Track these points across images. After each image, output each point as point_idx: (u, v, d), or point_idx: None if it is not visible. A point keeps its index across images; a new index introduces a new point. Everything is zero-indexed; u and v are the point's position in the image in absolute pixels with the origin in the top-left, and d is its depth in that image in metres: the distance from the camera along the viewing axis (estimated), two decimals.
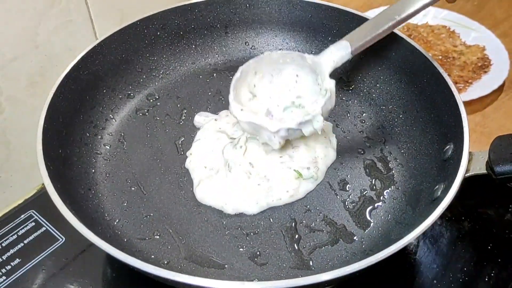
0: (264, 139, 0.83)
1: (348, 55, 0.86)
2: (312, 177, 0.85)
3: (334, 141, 0.93)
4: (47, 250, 0.84)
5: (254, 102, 0.86)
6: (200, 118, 0.96)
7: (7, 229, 0.86)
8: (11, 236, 0.85)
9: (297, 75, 0.85)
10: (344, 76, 1.02)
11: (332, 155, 0.90)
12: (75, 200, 0.76)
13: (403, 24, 1.04)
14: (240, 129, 0.86)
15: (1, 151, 1.05)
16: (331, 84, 0.82)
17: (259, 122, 0.80)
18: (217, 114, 0.97)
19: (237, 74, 0.84)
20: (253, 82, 0.86)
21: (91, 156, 0.88)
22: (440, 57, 1.20)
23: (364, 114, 0.98)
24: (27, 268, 0.81)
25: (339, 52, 0.85)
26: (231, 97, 0.83)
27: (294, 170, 0.85)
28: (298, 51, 1.06)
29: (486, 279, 0.80)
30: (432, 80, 0.87)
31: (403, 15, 0.86)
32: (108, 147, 0.92)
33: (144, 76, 1.02)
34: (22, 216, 0.88)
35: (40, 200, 0.90)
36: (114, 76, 0.97)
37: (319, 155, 0.88)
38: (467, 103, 0.96)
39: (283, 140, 0.82)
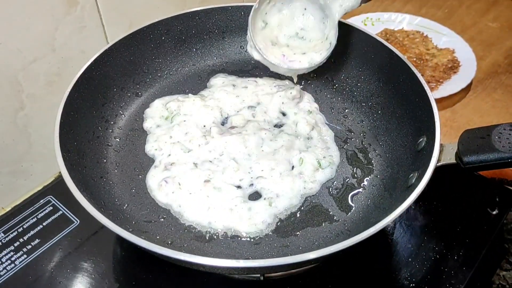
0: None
1: (358, 3, 0.82)
2: (330, 164, 0.86)
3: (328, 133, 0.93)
4: (63, 231, 0.84)
5: (265, 30, 0.84)
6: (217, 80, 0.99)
7: (27, 213, 0.86)
8: (31, 219, 0.85)
9: (305, 9, 0.83)
10: (329, 76, 1.01)
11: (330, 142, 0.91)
12: (88, 187, 0.75)
13: None
14: None
15: (23, 143, 1.04)
16: (335, 36, 0.81)
17: (274, 62, 0.82)
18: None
19: (255, 5, 0.81)
20: (265, 10, 0.84)
21: (103, 148, 0.88)
22: (415, 59, 1.20)
23: (346, 110, 0.97)
24: (46, 247, 0.81)
25: None
26: (248, 34, 0.81)
27: (316, 160, 0.85)
28: None
29: (455, 258, 0.80)
30: (407, 80, 0.87)
31: None
32: (118, 140, 0.91)
33: (150, 76, 1.01)
34: (41, 201, 0.88)
35: (57, 187, 0.90)
36: (123, 76, 0.96)
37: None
38: (438, 100, 0.95)
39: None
